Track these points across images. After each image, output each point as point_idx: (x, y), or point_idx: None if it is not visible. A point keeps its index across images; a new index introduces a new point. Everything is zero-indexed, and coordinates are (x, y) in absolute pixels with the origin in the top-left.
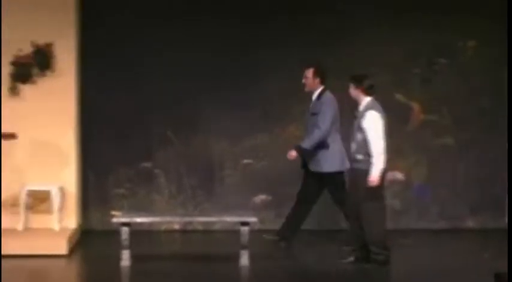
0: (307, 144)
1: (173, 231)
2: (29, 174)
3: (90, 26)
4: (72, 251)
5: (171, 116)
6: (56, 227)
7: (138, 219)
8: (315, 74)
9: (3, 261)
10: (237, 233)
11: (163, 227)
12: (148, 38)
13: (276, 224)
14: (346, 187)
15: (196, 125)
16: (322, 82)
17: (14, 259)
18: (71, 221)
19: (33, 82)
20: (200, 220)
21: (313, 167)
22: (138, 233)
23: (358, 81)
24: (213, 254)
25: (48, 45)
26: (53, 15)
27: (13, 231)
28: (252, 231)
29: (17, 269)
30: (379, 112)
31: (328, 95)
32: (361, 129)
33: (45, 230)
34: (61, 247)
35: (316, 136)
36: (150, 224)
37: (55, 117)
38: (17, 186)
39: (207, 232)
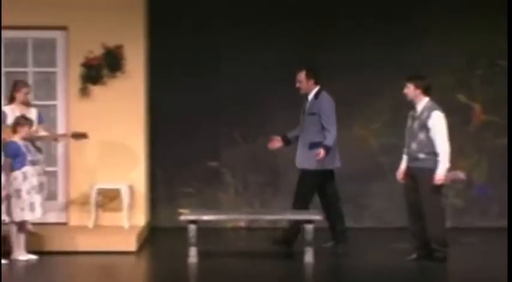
0: (329, 141)
1: (239, 228)
2: (99, 173)
3: (158, 29)
4: (140, 247)
5: (237, 116)
6: (126, 224)
7: (205, 217)
8: (308, 76)
9: (74, 257)
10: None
11: (229, 225)
12: (215, 40)
13: None
14: (334, 184)
15: (262, 125)
16: (316, 82)
17: (85, 255)
18: (140, 218)
19: (104, 83)
20: (266, 218)
21: (303, 165)
22: (205, 231)
23: (419, 81)
24: (278, 251)
25: (118, 47)
26: (123, 18)
27: (84, 229)
28: (316, 229)
29: (87, 265)
30: (442, 112)
31: (326, 94)
32: (424, 129)
33: (114, 227)
34: (130, 244)
35: (333, 133)
36: (217, 221)
37: (125, 118)
38: (87, 184)
39: (273, 229)
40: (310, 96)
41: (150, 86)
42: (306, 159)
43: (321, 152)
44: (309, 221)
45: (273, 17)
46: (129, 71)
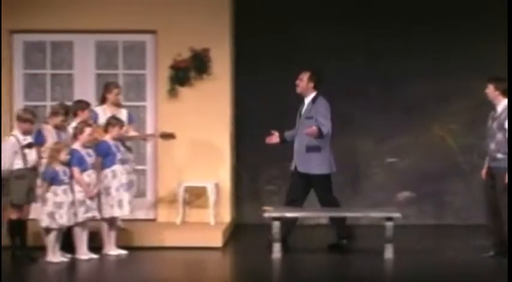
0: (325, 130)
1: (321, 225)
2: (186, 171)
3: (244, 32)
4: (226, 243)
5: None
6: (212, 221)
7: (288, 214)
8: (310, 79)
9: (162, 252)
10: (381, 227)
11: (311, 222)
12: (299, 42)
13: (419, 219)
14: (331, 189)
15: (344, 124)
16: (315, 87)
17: (172, 251)
18: (225, 215)
19: (191, 85)
20: (347, 215)
21: (302, 168)
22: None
23: (498, 83)
24: (359, 247)
25: (205, 50)
26: (210, 22)
27: (171, 225)
28: (396, 226)
29: (175, 260)
30: None
31: (323, 99)
32: (502, 129)
33: (201, 223)
34: (216, 240)
35: (327, 129)
36: (299, 218)
37: (211, 118)
38: (175, 182)
39: (354, 226)
40: (308, 100)
41: (235, 87)
42: (315, 164)
43: (314, 129)
44: (389, 218)
45: (358, 18)
46: (216, 72)
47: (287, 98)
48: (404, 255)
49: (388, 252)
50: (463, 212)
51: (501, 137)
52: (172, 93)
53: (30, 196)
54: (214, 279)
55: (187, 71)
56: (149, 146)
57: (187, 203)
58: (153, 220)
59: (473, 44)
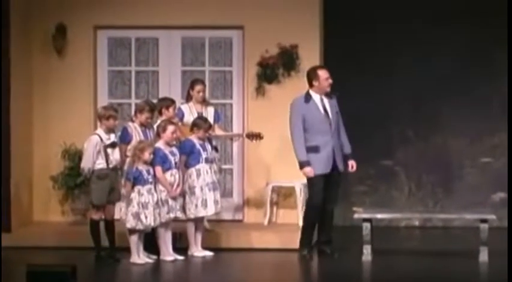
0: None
1: (413, 227)
2: (274, 171)
3: (332, 29)
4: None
5: (411, 115)
6: (300, 222)
7: (379, 215)
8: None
9: (249, 254)
10: (476, 230)
11: (403, 223)
12: (387, 39)
13: None
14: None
15: (436, 124)
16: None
17: (260, 252)
18: None
19: (279, 82)
20: (440, 217)
21: (341, 167)
22: (379, 229)
23: None
24: (453, 250)
25: (294, 47)
26: (299, 18)
27: (259, 226)
28: (490, 229)
29: (262, 262)
30: None
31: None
32: None
33: (289, 224)
34: None
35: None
36: (390, 220)
37: None
38: (262, 182)
39: (447, 229)
40: (326, 97)
41: None
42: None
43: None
44: (484, 220)
45: (448, 13)
46: (304, 70)
47: (377, 94)
48: (500, 258)
49: (483, 255)
50: None
51: None
52: (260, 90)
53: (112, 196)
54: None
55: (275, 68)
56: (236, 145)
57: (275, 203)
58: (240, 221)
59: None
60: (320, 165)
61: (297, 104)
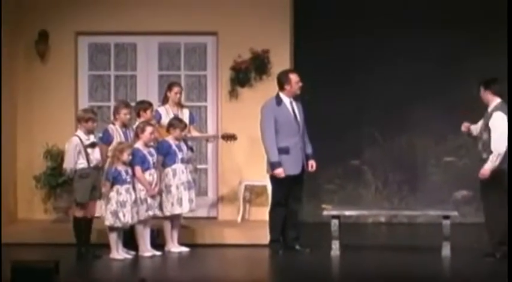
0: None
1: (379, 223)
2: (246, 170)
3: (303, 35)
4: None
5: (379, 117)
6: None
7: (347, 212)
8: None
9: (223, 249)
10: (439, 226)
11: (370, 220)
12: (356, 45)
13: (476, 218)
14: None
15: (402, 125)
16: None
17: (233, 248)
18: None
19: (251, 86)
20: (405, 213)
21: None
22: (347, 225)
23: (490, 84)
24: (417, 245)
25: (265, 52)
26: (270, 23)
27: (232, 223)
28: (453, 225)
29: (235, 257)
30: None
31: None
32: (487, 129)
33: (261, 221)
34: None
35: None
36: (358, 216)
37: None
38: (236, 181)
39: (411, 225)
40: (294, 101)
41: None
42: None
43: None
44: (446, 217)
45: (418, 18)
46: (275, 74)
47: (346, 97)
48: (462, 253)
49: (446, 250)
50: None
51: (486, 137)
52: (233, 93)
53: (94, 194)
54: (274, 277)
55: (248, 72)
56: (210, 146)
57: (247, 201)
58: (214, 218)
59: None
60: (291, 166)
61: (268, 107)
